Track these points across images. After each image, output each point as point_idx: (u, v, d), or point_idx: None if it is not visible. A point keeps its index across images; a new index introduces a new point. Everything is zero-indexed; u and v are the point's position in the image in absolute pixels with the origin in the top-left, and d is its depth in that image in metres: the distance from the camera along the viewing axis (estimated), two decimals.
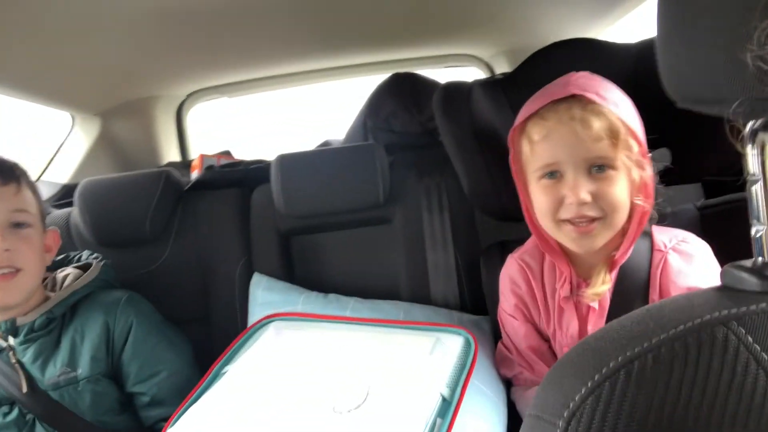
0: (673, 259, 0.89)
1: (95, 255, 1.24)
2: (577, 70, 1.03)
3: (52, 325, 1.05)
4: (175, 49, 1.56)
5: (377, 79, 1.77)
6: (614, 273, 0.91)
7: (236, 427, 0.87)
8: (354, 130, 1.65)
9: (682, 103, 0.41)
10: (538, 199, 0.90)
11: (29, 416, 1.02)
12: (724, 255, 0.97)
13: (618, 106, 0.85)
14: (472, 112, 1.09)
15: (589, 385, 0.37)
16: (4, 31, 1.15)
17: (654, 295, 0.89)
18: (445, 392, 0.89)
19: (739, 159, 0.98)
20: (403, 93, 1.60)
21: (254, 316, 1.27)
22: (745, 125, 0.39)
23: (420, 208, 1.34)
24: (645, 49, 1.04)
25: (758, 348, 0.36)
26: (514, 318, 1.03)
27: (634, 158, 0.85)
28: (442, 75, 2.08)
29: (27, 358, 1.03)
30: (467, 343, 1.01)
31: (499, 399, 0.99)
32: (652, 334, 0.37)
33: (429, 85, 1.63)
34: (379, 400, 0.87)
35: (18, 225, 1.00)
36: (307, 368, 0.98)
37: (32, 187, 1.07)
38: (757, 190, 0.42)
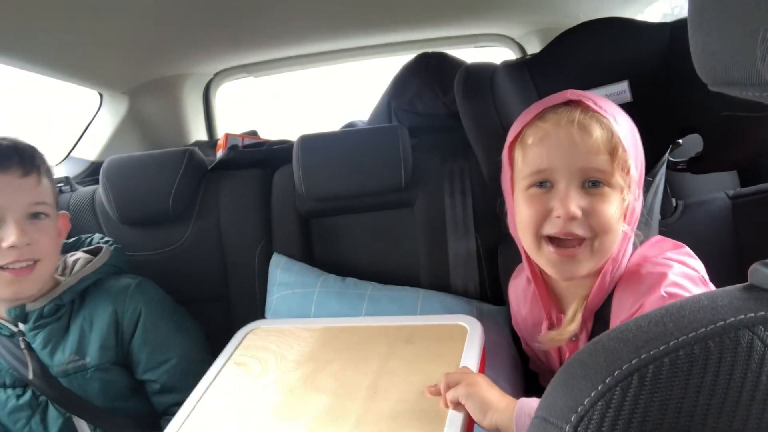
0: (618, 287, 0.80)
1: (106, 239, 1.25)
2: (608, 50, 0.99)
3: (61, 312, 1.05)
4: (203, 27, 1.55)
5: (405, 59, 1.73)
6: (590, 318, 0.83)
7: None
8: (378, 111, 1.62)
9: (714, 86, 0.38)
10: (521, 211, 0.81)
11: (42, 398, 1.03)
12: (757, 246, 0.93)
13: (617, 121, 0.77)
14: (494, 95, 1.05)
15: (599, 388, 0.34)
16: (33, 8, 1.15)
17: None
18: None
19: None
20: (429, 73, 1.56)
21: (272, 296, 1.27)
22: None
23: (442, 193, 1.31)
24: (680, 28, 0.98)
25: None
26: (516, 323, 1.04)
27: (627, 180, 0.76)
28: (472, 55, 2.04)
29: (36, 344, 1.03)
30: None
31: (515, 390, 0.97)
32: (670, 336, 0.35)
33: (457, 65, 1.58)
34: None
35: (36, 216, 1.00)
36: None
37: (49, 173, 1.06)
38: None
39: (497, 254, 1.23)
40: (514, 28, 1.96)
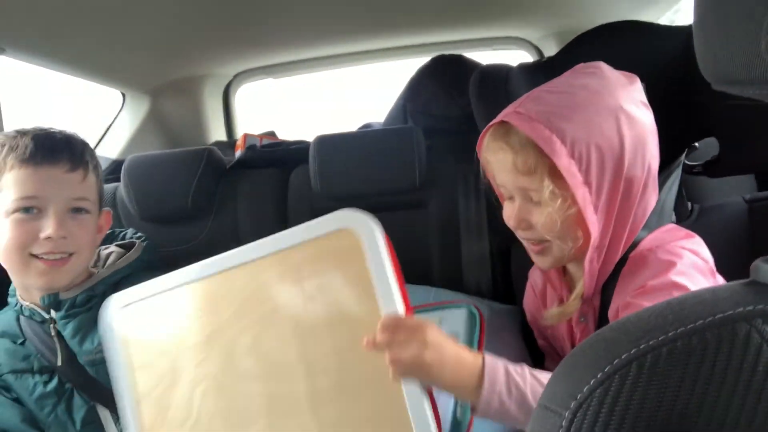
0: (625, 269, 0.83)
1: (138, 234, 1.27)
2: (624, 53, 0.99)
3: (93, 302, 1.06)
4: (224, 28, 1.59)
5: (421, 61, 1.75)
6: (597, 295, 0.87)
7: None
8: (393, 113, 1.64)
9: (717, 85, 0.39)
10: (501, 212, 0.90)
11: (68, 386, 1.05)
12: None
13: (558, 128, 0.76)
14: (509, 97, 1.06)
15: (598, 376, 0.35)
16: (60, 10, 1.19)
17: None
18: None
19: None
20: (445, 76, 1.57)
21: None
22: None
23: (456, 194, 1.32)
24: None
25: None
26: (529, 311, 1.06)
27: (563, 190, 0.78)
28: (489, 58, 2.05)
29: (67, 332, 1.04)
30: (471, 315, 1.01)
31: None
32: (669, 327, 0.36)
33: (473, 67, 1.59)
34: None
35: (78, 211, 1.00)
36: None
37: (97, 170, 1.05)
38: None
39: (510, 255, 1.24)
40: (531, 31, 1.96)
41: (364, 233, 0.75)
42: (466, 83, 1.53)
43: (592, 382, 0.35)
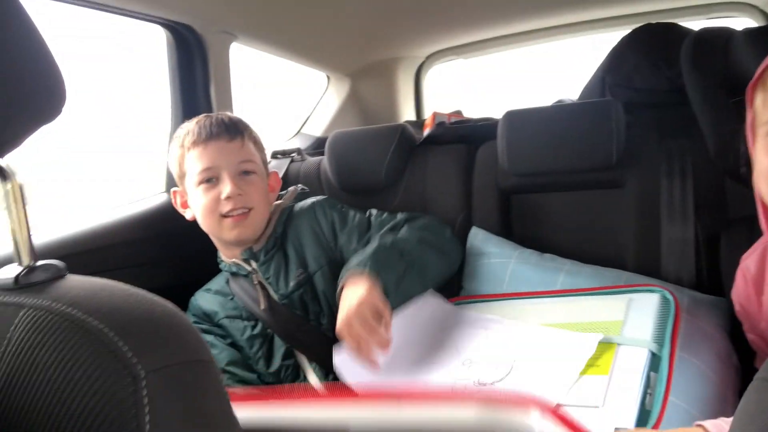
0: None
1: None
2: None
3: (278, 243, 1.26)
4: (418, 11, 1.65)
5: (622, 34, 1.62)
6: None
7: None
8: (590, 87, 1.55)
9: None
10: (758, 158, 0.74)
11: (269, 330, 1.23)
12: None
13: None
14: (728, 63, 0.95)
15: None
16: (279, 2, 1.35)
17: None
18: (653, 347, 0.84)
19: None
20: (651, 45, 1.44)
21: (469, 265, 1.31)
22: None
23: (658, 174, 1.22)
24: None
25: None
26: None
27: None
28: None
29: (269, 275, 1.23)
30: (665, 300, 0.93)
31: (723, 383, 0.88)
32: None
33: (684, 35, 1.44)
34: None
35: (245, 173, 1.20)
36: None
37: (254, 139, 1.26)
38: None
39: (718, 243, 1.11)
40: None
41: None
42: (675, 53, 1.39)
43: None
